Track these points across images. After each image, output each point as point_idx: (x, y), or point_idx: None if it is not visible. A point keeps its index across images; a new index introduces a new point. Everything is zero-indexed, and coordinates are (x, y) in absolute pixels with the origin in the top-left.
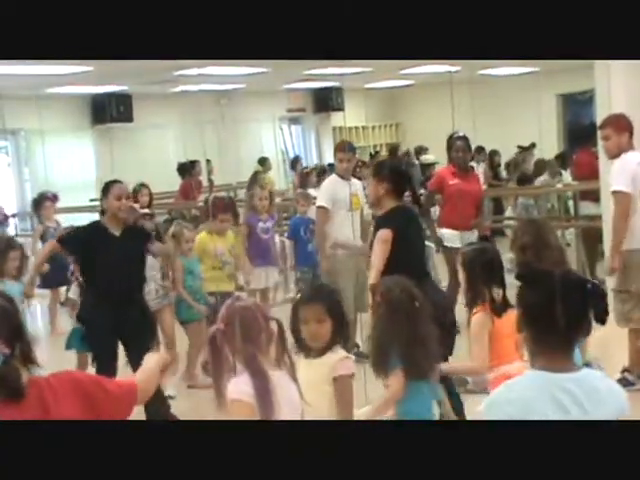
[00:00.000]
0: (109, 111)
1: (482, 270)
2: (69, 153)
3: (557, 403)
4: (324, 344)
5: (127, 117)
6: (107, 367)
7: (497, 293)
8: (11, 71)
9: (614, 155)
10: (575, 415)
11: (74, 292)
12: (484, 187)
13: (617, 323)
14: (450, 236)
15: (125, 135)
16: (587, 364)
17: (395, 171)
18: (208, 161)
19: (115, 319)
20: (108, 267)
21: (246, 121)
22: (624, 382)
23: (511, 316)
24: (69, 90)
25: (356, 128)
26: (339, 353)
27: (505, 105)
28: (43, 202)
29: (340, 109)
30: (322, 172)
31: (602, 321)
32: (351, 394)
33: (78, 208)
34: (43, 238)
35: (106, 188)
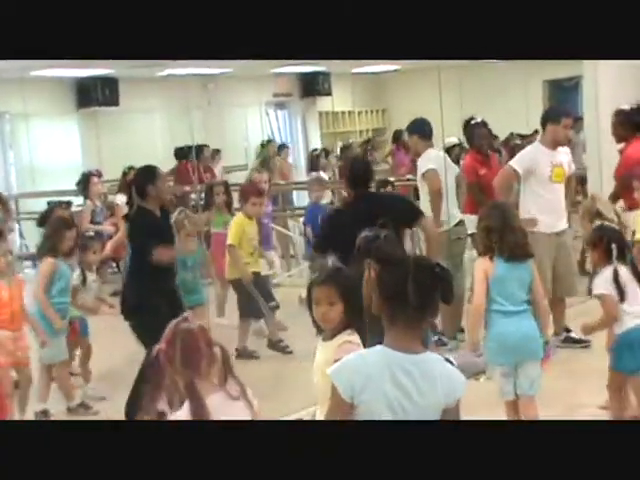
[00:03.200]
0: (95, 95)
1: None
2: (54, 137)
3: (396, 382)
4: (334, 326)
5: (113, 101)
6: None
7: None
8: None
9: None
10: (412, 394)
11: (76, 277)
12: None
13: None
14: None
15: (111, 119)
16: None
17: None
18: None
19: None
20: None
21: (232, 105)
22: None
23: None
24: (54, 73)
25: (342, 113)
26: (344, 337)
27: (492, 91)
28: (90, 179)
29: (327, 94)
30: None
31: (447, 301)
32: None
33: (63, 192)
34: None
35: (155, 174)
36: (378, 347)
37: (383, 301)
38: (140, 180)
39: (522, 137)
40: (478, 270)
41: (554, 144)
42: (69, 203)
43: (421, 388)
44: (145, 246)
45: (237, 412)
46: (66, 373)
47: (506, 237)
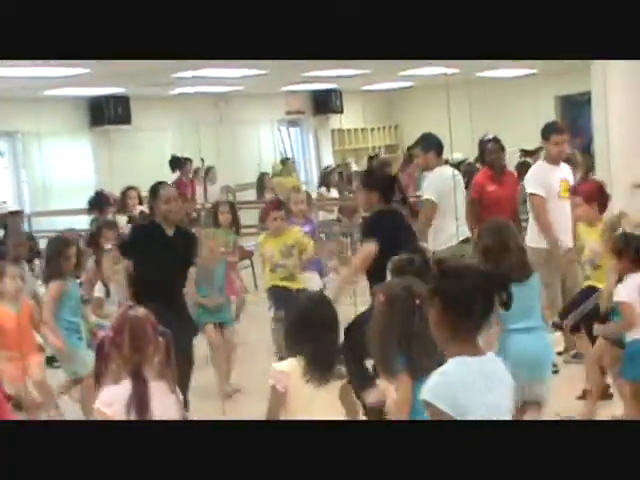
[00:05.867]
0: (107, 113)
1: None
2: (66, 155)
3: (482, 384)
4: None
5: (125, 119)
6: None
7: None
8: (8, 73)
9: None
10: (504, 390)
11: (99, 290)
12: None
13: None
14: None
15: (123, 137)
16: None
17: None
18: (202, 160)
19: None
20: (160, 265)
21: (244, 123)
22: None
23: None
24: (66, 92)
25: (355, 130)
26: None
27: (503, 107)
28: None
29: (339, 111)
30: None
31: (506, 306)
32: (271, 404)
33: (75, 210)
34: None
35: (154, 191)
36: (457, 359)
37: (448, 313)
38: (149, 197)
39: (526, 153)
40: None
41: (552, 160)
42: (114, 223)
43: (496, 385)
44: (137, 258)
45: (170, 405)
46: (90, 387)
47: (503, 258)
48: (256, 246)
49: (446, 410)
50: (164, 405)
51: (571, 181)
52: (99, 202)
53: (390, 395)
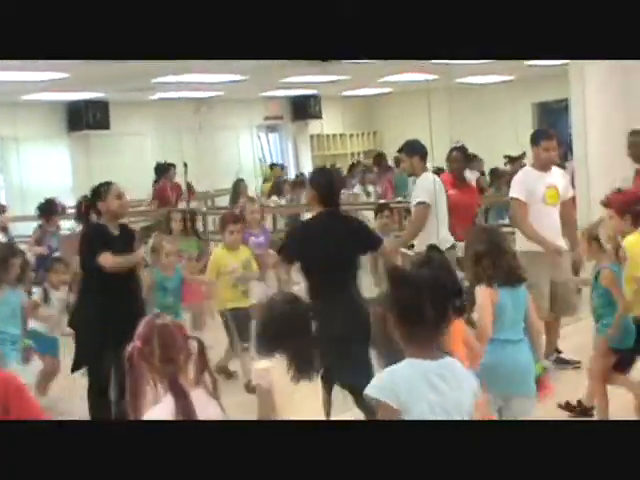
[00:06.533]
0: (85, 118)
1: None
2: (45, 160)
3: (434, 387)
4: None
5: (104, 124)
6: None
7: None
8: None
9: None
10: (447, 395)
11: (37, 294)
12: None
13: None
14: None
15: (102, 142)
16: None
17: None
18: (185, 165)
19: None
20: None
21: (224, 129)
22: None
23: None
24: (45, 97)
25: (334, 136)
26: (257, 364)
27: (482, 113)
28: None
29: (318, 117)
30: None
31: (460, 312)
32: (261, 403)
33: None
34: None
35: (104, 189)
36: (409, 360)
37: (400, 320)
38: (92, 198)
39: (510, 159)
40: (483, 298)
41: (540, 166)
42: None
43: (455, 388)
44: (92, 258)
45: (213, 410)
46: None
47: (499, 262)
48: None
49: (390, 404)
50: (208, 413)
51: (561, 187)
52: (48, 209)
53: None
